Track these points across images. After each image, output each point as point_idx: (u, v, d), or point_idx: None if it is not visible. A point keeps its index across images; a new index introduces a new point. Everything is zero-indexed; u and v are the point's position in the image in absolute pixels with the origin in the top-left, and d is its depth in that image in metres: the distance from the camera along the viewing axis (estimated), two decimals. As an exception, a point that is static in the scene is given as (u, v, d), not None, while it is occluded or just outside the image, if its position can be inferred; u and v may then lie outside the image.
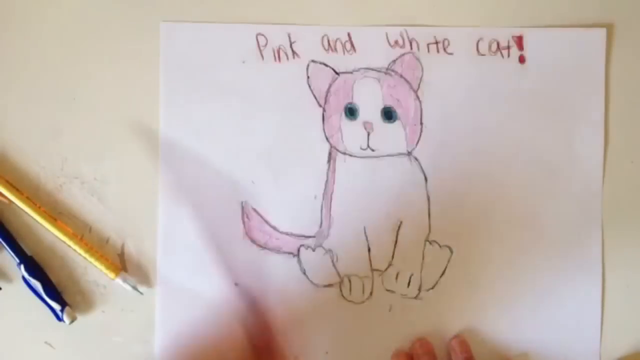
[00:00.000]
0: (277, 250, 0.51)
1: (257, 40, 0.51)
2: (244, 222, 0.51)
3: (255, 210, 0.51)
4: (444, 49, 0.50)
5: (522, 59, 0.51)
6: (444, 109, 0.51)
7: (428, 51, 0.50)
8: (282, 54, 0.51)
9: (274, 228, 0.51)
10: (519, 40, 0.50)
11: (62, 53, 0.51)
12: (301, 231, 0.51)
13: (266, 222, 0.51)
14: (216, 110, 0.51)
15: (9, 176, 0.51)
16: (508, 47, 0.50)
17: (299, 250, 0.51)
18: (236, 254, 0.51)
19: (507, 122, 0.51)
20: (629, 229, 0.51)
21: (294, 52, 0.51)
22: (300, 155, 0.51)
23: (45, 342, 0.51)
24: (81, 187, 0.51)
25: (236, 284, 0.51)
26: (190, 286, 0.51)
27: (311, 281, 0.51)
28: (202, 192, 0.51)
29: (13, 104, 0.51)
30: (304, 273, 0.51)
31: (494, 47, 0.50)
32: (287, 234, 0.51)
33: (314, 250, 0.51)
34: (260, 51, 0.51)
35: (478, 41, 0.50)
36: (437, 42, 0.50)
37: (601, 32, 0.50)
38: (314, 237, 0.51)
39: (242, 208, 0.51)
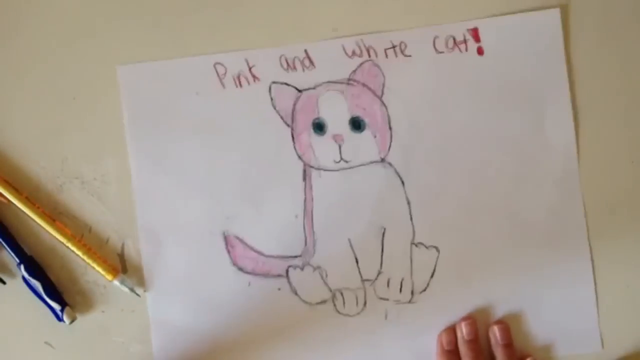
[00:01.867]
0: (266, 275, 0.51)
1: (215, 69, 0.51)
2: (228, 252, 0.51)
3: (238, 238, 0.51)
4: (402, 52, 0.50)
5: (480, 51, 0.50)
6: (410, 112, 0.50)
7: (386, 56, 0.50)
8: (242, 79, 0.51)
9: (260, 253, 0.51)
10: (475, 33, 0.50)
11: (63, 53, 0.51)
12: (287, 252, 0.51)
13: (251, 248, 0.51)
14: (186, 146, 0.51)
15: (8, 176, 0.51)
16: (465, 41, 0.50)
17: (287, 272, 0.51)
18: (225, 285, 0.51)
19: (475, 116, 0.51)
20: (630, 229, 0.51)
21: (254, 76, 0.51)
22: (275, 177, 0.51)
23: (45, 342, 0.51)
24: (81, 187, 0.51)
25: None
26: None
27: (304, 300, 0.51)
28: (183, 228, 0.51)
29: (13, 104, 0.51)
30: (296, 293, 0.51)
31: (451, 43, 0.50)
32: (273, 256, 0.51)
33: (302, 269, 0.51)
34: (221, 80, 0.51)
35: (434, 39, 0.50)
36: (394, 47, 0.50)
37: (554, 13, 0.50)
38: (300, 256, 0.51)
39: (225, 238, 0.51)
